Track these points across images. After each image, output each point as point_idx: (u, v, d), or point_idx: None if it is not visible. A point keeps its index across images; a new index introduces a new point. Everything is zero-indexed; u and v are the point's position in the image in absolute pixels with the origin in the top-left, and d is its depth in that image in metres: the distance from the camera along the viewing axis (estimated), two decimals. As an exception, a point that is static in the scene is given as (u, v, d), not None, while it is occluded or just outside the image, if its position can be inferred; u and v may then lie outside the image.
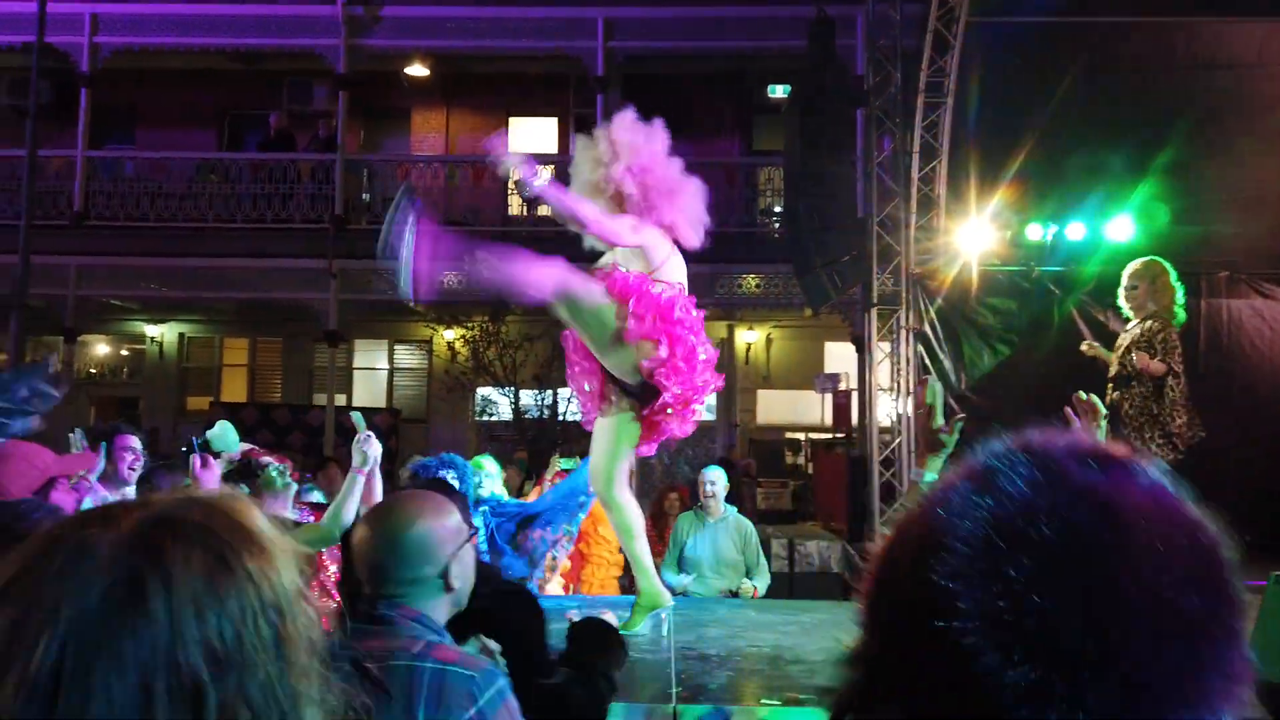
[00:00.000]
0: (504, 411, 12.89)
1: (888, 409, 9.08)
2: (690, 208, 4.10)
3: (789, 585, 7.80)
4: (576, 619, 2.67)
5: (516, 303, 4.21)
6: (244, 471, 3.62)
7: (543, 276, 3.68)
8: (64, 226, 11.82)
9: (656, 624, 3.94)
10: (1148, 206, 8.34)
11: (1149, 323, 5.65)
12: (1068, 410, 2.72)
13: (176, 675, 0.63)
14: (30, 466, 2.28)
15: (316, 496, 4.64)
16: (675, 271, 3.99)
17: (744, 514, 5.93)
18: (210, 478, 3.06)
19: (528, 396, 12.48)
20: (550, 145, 14.47)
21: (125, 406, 14.80)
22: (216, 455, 3.51)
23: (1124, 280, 5.75)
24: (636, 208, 3.96)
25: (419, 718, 1.58)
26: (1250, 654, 0.62)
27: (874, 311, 8.94)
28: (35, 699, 0.61)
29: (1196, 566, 0.62)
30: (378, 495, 4.10)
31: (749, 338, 14.42)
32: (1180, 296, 5.61)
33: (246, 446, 3.93)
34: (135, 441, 3.60)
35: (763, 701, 2.91)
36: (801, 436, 13.85)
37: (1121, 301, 5.78)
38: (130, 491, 3.57)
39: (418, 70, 13.44)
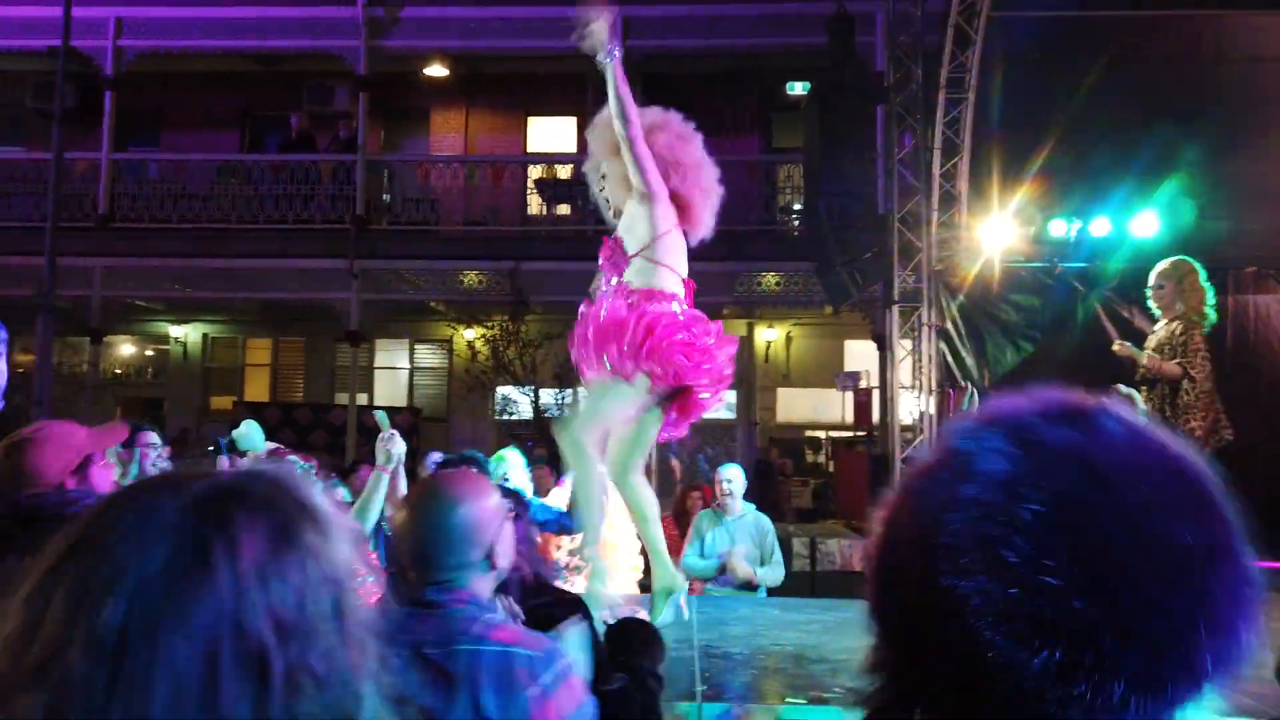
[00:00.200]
0: (524, 410, 12.92)
1: (910, 407, 9.04)
2: (710, 188, 4.02)
3: (811, 584, 7.77)
4: (610, 620, 2.66)
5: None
6: (269, 470, 3.64)
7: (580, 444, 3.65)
8: (89, 228, 11.95)
9: (678, 616, 3.92)
10: (1173, 202, 8.24)
11: (1174, 324, 5.60)
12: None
13: (242, 640, 0.63)
14: (65, 447, 2.28)
15: (341, 494, 4.67)
16: (674, 249, 3.84)
17: (782, 513, 5.91)
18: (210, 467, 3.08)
19: (548, 395, 12.50)
20: (569, 145, 14.49)
21: (150, 406, 14.96)
22: (243, 454, 3.55)
23: (1151, 280, 5.70)
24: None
25: (486, 701, 1.59)
26: (1254, 568, 0.62)
27: (895, 309, 8.90)
28: (102, 659, 0.61)
29: (1185, 501, 0.62)
30: (402, 493, 4.12)
31: (769, 336, 14.38)
32: (1210, 297, 5.56)
33: (271, 445, 3.96)
34: (154, 437, 3.65)
35: (787, 700, 2.90)
36: (822, 435, 13.81)
37: (1149, 300, 5.73)
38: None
39: (437, 71, 13.50)
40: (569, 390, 12.19)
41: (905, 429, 8.93)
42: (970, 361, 8.69)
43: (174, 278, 12.38)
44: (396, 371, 15.07)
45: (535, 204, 13.06)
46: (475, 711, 1.60)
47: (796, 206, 12.52)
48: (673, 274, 3.81)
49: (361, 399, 12.97)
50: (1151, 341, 5.69)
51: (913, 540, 0.65)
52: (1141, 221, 8.31)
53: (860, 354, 12.65)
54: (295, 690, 0.65)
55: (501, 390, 13.36)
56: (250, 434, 3.79)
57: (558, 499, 5.22)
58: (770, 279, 12.11)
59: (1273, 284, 8.48)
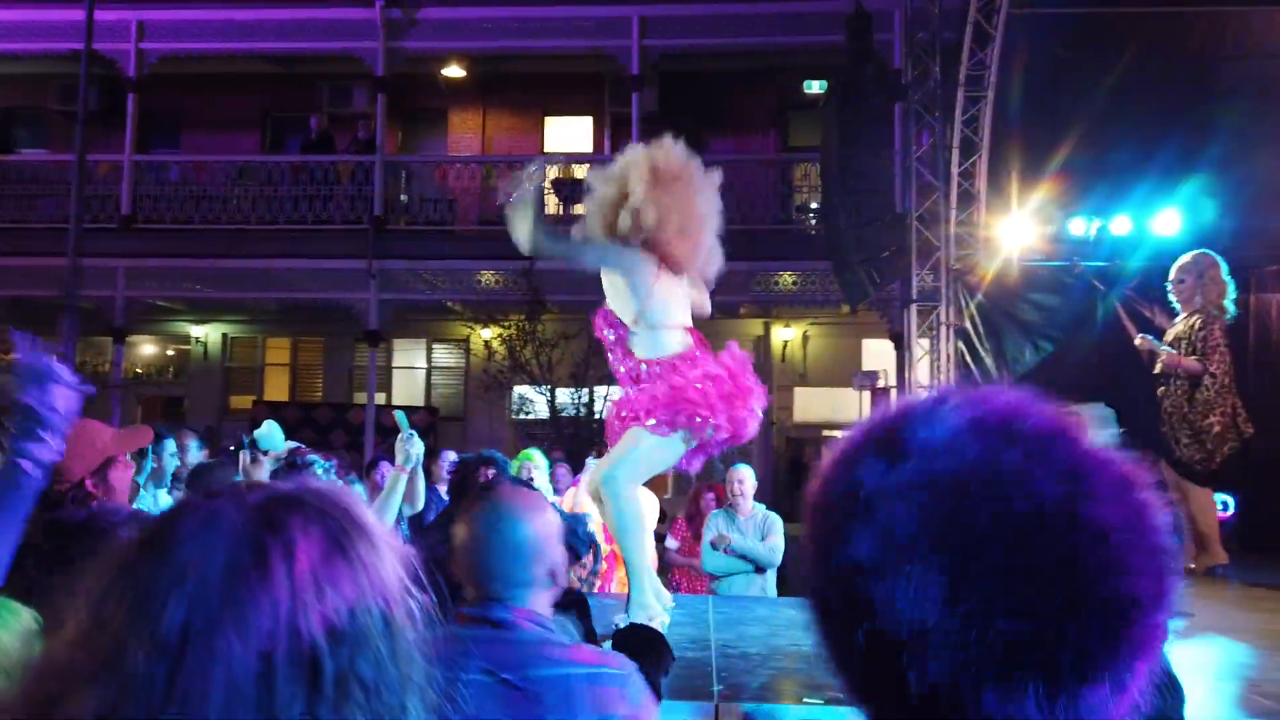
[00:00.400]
0: (540, 410, 12.95)
1: (927, 406, 8.99)
2: (706, 242, 3.83)
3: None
4: (621, 624, 2.67)
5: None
6: (290, 468, 3.68)
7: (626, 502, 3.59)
8: (112, 229, 12.08)
9: (700, 622, 3.92)
10: (1194, 200, 8.17)
11: (1194, 318, 5.56)
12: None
13: (296, 643, 0.66)
14: (90, 447, 2.33)
15: (359, 493, 4.71)
16: (667, 305, 3.68)
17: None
18: (260, 474, 3.12)
19: (564, 395, 12.52)
20: (586, 145, 14.51)
21: (171, 405, 15.11)
22: (264, 453, 3.58)
23: (1172, 273, 5.67)
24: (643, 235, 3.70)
25: None
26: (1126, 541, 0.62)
27: (913, 308, 8.87)
28: (163, 657, 0.64)
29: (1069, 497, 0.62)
30: (419, 493, 4.15)
31: (785, 335, 14.35)
32: (1231, 291, 5.51)
33: (292, 445, 4.00)
34: (193, 439, 3.73)
35: (805, 700, 2.90)
36: (839, 434, 13.74)
37: (1170, 295, 5.69)
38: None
39: (454, 71, 13.55)
40: (585, 390, 12.22)
41: (923, 428, 8.89)
42: (989, 361, 8.65)
43: (195, 278, 12.49)
44: (414, 371, 15.14)
45: (552, 204, 13.09)
46: None
47: (813, 205, 12.49)
48: (676, 332, 3.71)
49: (380, 398, 13.04)
50: (1170, 335, 5.65)
51: (824, 527, 0.67)
52: (1163, 220, 8.24)
53: (878, 353, 12.60)
54: (345, 696, 0.67)
55: (518, 390, 13.40)
56: (271, 434, 3.83)
57: (570, 500, 5.25)
58: (787, 278, 12.08)
59: (1296, 282, 8.39)
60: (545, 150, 14.49)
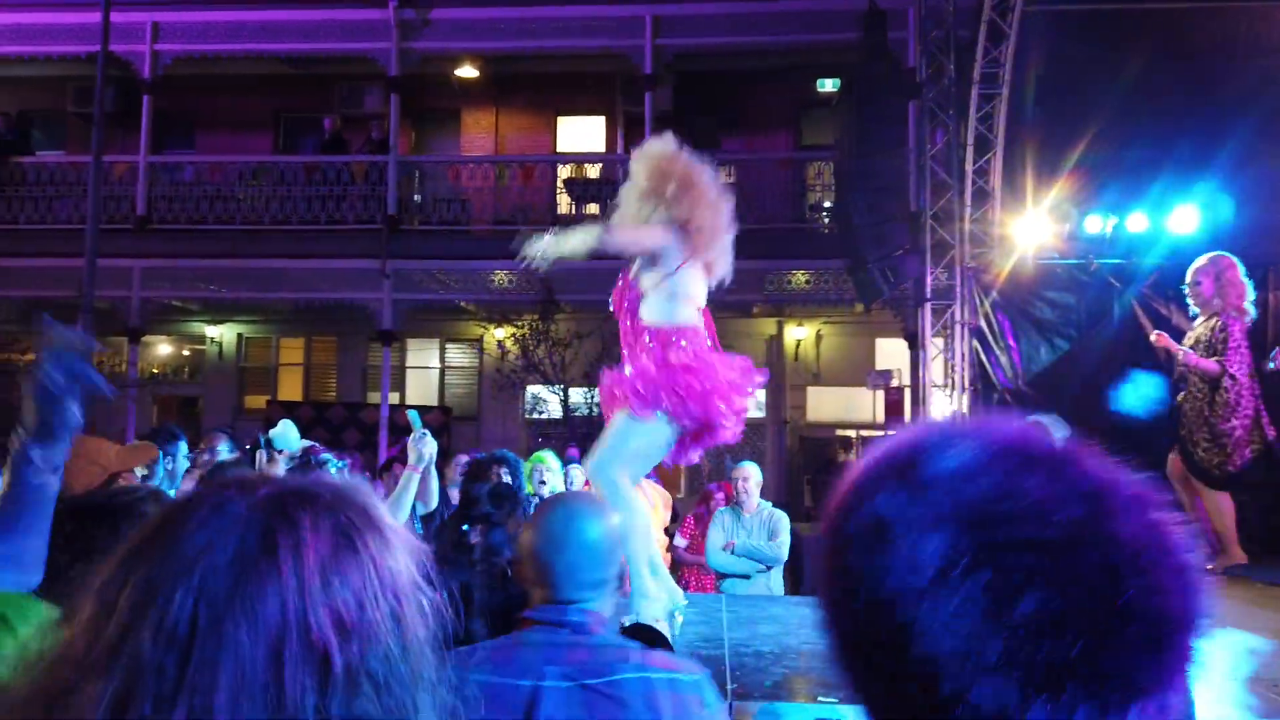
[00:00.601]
0: (554, 409, 12.97)
1: (942, 406, 8.96)
2: (725, 247, 3.83)
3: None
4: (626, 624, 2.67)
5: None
6: (304, 467, 3.69)
7: (597, 481, 3.55)
8: (128, 230, 12.16)
9: (712, 620, 3.91)
10: (1212, 197, 8.09)
11: (1214, 320, 5.50)
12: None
13: (306, 636, 0.65)
14: (92, 464, 2.32)
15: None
16: (693, 280, 3.70)
17: None
18: (276, 473, 3.13)
19: (577, 394, 12.53)
20: (598, 144, 14.52)
21: (186, 405, 15.20)
22: (279, 453, 3.60)
23: (1188, 276, 5.61)
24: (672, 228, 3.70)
25: None
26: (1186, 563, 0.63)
27: (928, 306, 8.83)
28: (172, 647, 0.64)
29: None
30: (433, 492, 4.16)
31: (798, 334, 14.32)
32: (1250, 292, 5.45)
33: (306, 444, 4.02)
34: (224, 442, 3.77)
35: (818, 699, 2.89)
36: (853, 434, 13.71)
37: (1187, 298, 5.64)
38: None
39: (467, 71, 13.58)
40: (598, 389, 12.23)
41: (937, 428, 8.84)
42: (1004, 359, 8.60)
43: (209, 278, 12.56)
44: (428, 371, 15.19)
45: (565, 203, 13.10)
46: None
47: (827, 204, 12.46)
48: (690, 306, 3.70)
49: (393, 398, 13.08)
50: (1190, 338, 5.59)
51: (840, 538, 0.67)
52: (1180, 217, 8.16)
53: (891, 352, 12.55)
54: (355, 690, 0.66)
55: (531, 389, 13.42)
56: (286, 433, 3.85)
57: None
58: (800, 277, 12.05)
59: (1316, 281, 8.30)
60: (558, 150, 14.51)
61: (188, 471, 3.91)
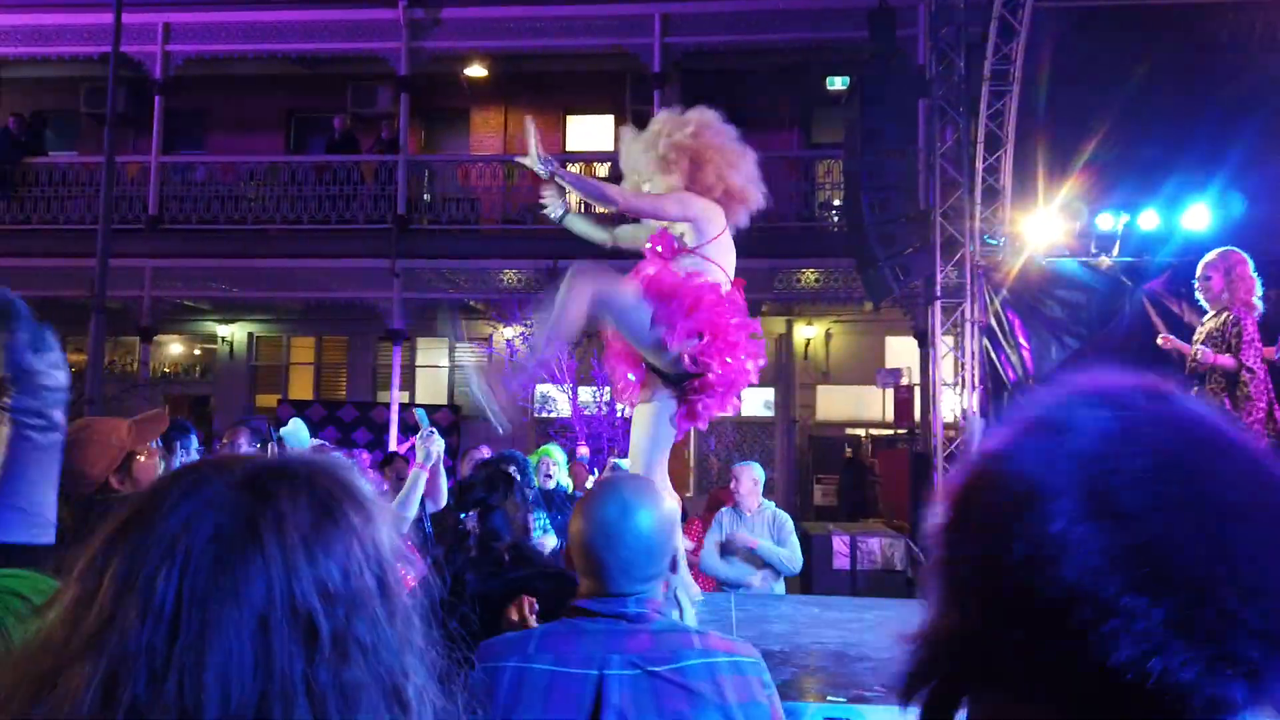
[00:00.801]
0: (563, 408, 12.98)
1: (952, 404, 8.93)
2: (751, 172, 3.94)
3: (852, 582, 7.72)
4: None
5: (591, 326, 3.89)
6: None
7: (578, 297, 3.50)
8: (139, 230, 12.23)
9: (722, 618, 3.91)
10: (1224, 193, 8.04)
11: (1225, 315, 5.47)
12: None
13: (291, 606, 0.66)
14: (108, 446, 2.32)
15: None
16: (725, 251, 3.78)
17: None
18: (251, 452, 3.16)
19: (586, 393, 12.54)
20: (607, 143, 14.51)
21: (197, 404, 15.27)
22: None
23: (1198, 271, 5.57)
24: (689, 176, 3.79)
25: (735, 712, 1.55)
26: None
27: (937, 305, 8.80)
28: (159, 625, 0.64)
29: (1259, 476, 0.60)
30: (441, 491, 4.17)
31: (807, 333, 14.29)
32: (1259, 288, 5.42)
33: (317, 442, 4.03)
34: (247, 435, 3.82)
35: (829, 698, 2.88)
36: (862, 433, 13.69)
37: (1197, 293, 5.60)
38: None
39: (476, 71, 13.60)
40: (607, 388, 12.24)
41: (948, 427, 8.82)
42: (1014, 358, 8.57)
43: (220, 278, 12.62)
44: (437, 370, 15.23)
45: (574, 201, 13.11)
46: None
47: (836, 202, 12.43)
48: (723, 272, 3.76)
49: (403, 397, 13.12)
50: (1201, 333, 5.56)
51: (1006, 492, 0.62)
52: (1192, 214, 8.11)
53: (901, 351, 12.53)
54: (343, 657, 0.67)
55: (540, 388, 13.43)
56: (297, 432, 3.87)
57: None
58: (809, 275, 12.03)
59: (1329, 278, 8.24)
60: (567, 149, 14.52)
61: None
